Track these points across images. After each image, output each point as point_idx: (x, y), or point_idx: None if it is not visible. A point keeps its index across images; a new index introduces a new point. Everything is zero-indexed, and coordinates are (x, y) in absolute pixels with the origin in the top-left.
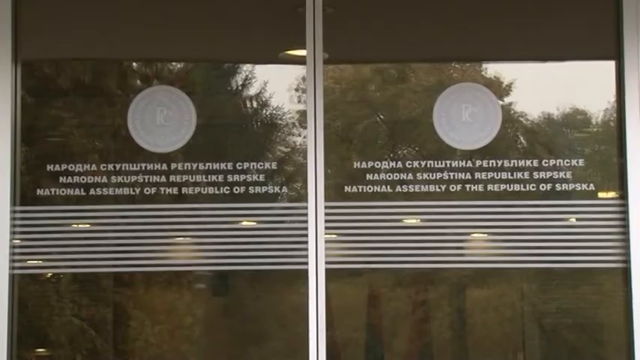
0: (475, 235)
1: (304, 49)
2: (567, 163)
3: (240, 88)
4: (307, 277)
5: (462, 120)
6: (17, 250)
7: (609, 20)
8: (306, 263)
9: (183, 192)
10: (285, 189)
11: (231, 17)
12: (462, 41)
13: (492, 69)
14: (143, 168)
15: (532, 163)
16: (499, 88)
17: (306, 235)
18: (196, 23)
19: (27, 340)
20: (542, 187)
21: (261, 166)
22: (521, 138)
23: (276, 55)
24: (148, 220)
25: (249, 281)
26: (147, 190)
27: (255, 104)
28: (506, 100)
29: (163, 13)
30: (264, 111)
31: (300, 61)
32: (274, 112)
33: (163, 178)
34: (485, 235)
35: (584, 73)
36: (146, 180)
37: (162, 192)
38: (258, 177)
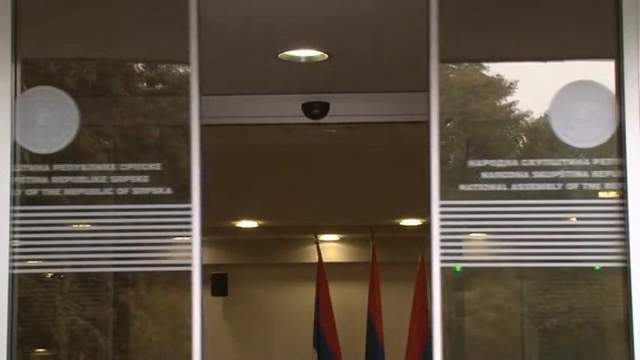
0: None
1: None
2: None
3: None
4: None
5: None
6: (17, 250)
7: (609, 20)
8: None
9: None
10: None
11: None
12: (462, 41)
13: (493, 69)
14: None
15: None
16: (499, 88)
17: None
18: None
19: (27, 341)
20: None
21: None
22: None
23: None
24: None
25: None
26: None
27: None
28: (507, 99)
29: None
30: None
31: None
32: None
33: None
34: None
35: (584, 73)
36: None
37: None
38: None
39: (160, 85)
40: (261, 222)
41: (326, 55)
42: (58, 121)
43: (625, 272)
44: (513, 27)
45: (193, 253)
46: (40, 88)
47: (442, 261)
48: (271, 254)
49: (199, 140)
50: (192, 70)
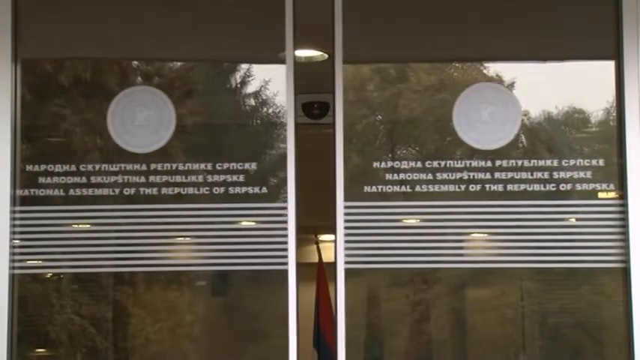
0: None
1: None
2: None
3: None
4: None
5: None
6: (17, 250)
7: (609, 20)
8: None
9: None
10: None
11: (229, 17)
12: (463, 41)
13: (493, 69)
14: (123, 168)
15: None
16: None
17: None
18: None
19: (27, 340)
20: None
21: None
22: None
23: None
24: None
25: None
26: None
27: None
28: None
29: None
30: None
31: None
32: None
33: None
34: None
35: (584, 73)
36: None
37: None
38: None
39: (250, 85)
40: None
41: (326, 55)
42: (154, 121)
43: (625, 272)
44: (509, 28)
45: (289, 252)
46: (138, 87)
47: (346, 262)
48: None
49: (295, 140)
50: (288, 69)
